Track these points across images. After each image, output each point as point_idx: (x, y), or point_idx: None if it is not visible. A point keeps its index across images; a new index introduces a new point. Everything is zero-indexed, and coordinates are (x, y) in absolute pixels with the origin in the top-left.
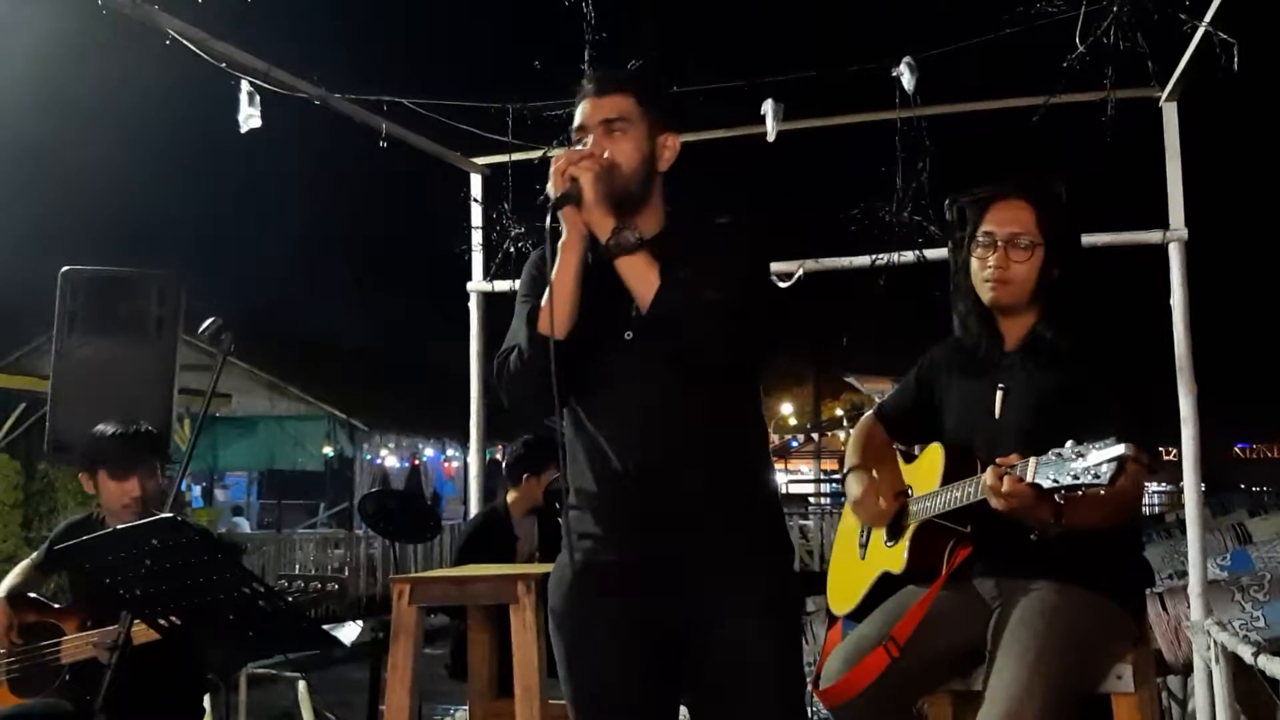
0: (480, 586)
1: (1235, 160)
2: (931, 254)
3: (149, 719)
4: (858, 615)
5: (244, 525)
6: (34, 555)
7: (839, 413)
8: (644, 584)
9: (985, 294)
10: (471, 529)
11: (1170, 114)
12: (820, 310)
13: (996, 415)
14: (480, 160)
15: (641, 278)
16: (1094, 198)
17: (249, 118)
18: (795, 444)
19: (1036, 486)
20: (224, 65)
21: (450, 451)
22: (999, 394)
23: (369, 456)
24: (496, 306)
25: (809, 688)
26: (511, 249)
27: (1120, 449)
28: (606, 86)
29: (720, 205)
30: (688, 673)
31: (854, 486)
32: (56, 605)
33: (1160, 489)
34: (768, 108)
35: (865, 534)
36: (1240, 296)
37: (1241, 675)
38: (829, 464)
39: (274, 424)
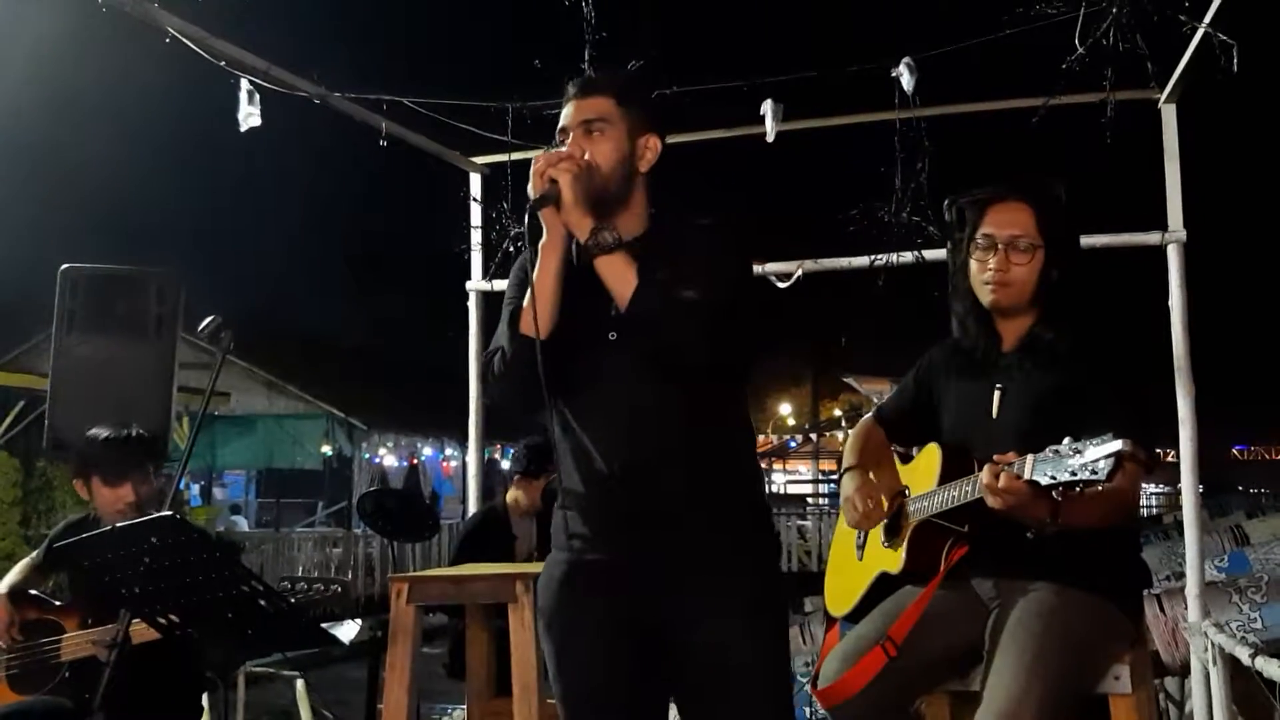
0: (478, 585)
1: (1234, 162)
2: (930, 254)
3: (148, 717)
4: (855, 616)
5: (242, 524)
6: (33, 555)
7: (837, 413)
8: (630, 583)
9: (985, 296)
10: (470, 528)
11: (1169, 115)
12: (818, 310)
13: (994, 415)
14: (480, 159)
15: (619, 277)
16: (1093, 199)
17: (249, 116)
18: (794, 444)
19: (1034, 484)
20: (223, 63)
21: (449, 451)
22: (997, 394)
23: (367, 455)
24: (496, 306)
25: (807, 688)
26: (510, 248)
27: (1117, 445)
28: (587, 89)
29: (719, 205)
30: (673, 672)
31: (848, 486)
32: (57, 603)
33: (1158, 490)
34: (767, 108)
35: (863, 534)
36: (1239, 298)
37: (1239, 677)
38: (827, 464)
39: (273, 423)
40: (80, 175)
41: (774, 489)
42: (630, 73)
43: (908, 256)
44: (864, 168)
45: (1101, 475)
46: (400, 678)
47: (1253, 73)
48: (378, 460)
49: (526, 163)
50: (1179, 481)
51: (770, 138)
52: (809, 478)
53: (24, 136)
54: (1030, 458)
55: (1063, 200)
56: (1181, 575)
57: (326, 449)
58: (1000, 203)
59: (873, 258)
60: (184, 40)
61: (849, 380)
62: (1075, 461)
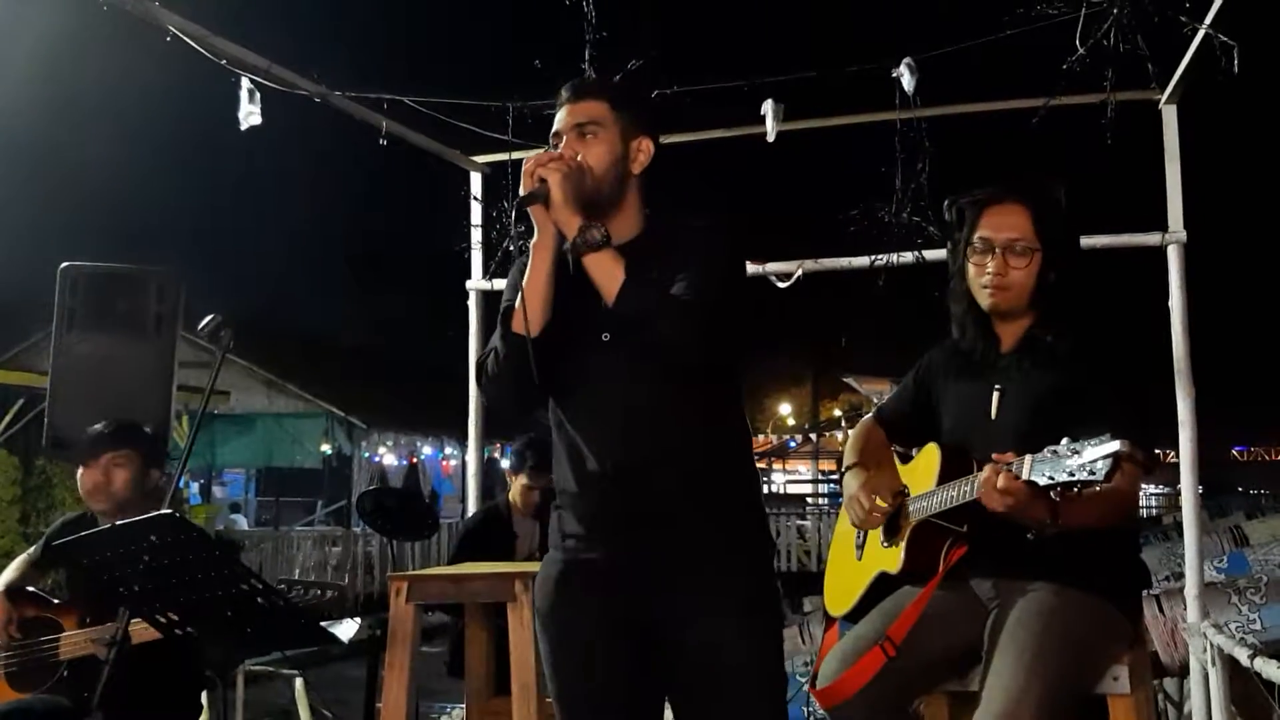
0: (478, 584)
1: (1235, 163)
2: (930, 255)
3: (147, 715)
4: (854, 616)
5: (242, 522)
6: (30, 551)
7: (837, 413)
8: (623, 583)
9: (984, 300)
10: (470, 526)
11: (1170, 116)
12: (818, 310)
13: (993, 416)
14: (480, 159)
15: (607, 274)
16: (1093, 200)
17: (249, 115)
18: (793, 444)
19: (1032, 484)
20: (224, 62)
21: (448, 450)
22: (996, 395)
23: (367, 454)
24: (496, 305)
25: (805, 687)
26: (511, 247)
27: (1115, 445)
28: (579, 93)
29: (717, 205)
30: (667, 671)
31: (851, 485)
32: (55, 601)
33: (1158, 491)
34: (767, 108)
35: (862, 534)
36: (1239, 299)
37: (1238, 678)
38: (827, 464)
39: (272, 421)
40: (81, 173)
41: (774, 489)
42: (623, 76)
43: (908, 257)
44: (864, 168)
45: (1100, 476)
46: (399, 676)
47: (1253, 74)
48: (377, 459)
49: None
50: (1178, 482)
51: (771, 138)
52: (808, 478)
53: (24, 135)
54: (1029, 458)
55: (1060, 201)
56: (1181, 576)
57: (326, 448)
58: (997, 205)
59: (873, 258)
60: (184, 38)
61: (849, 380)
62: (1073, 462)
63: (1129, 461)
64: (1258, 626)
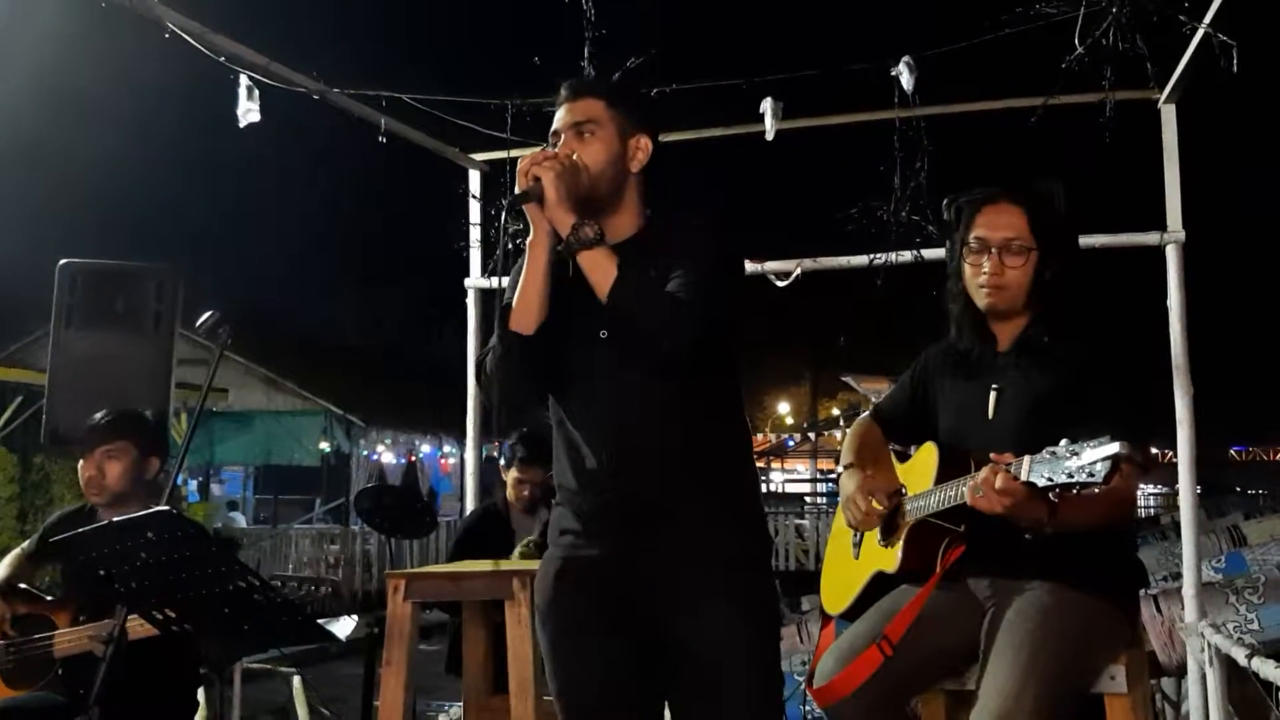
0: (475, 582)
1: (1234, 163)
2: (929, 254)
3: (143, 712)
4: (852, 614)
5: (240, 520)
6: (24, 545)
7: (836, 412)
8: (622, 580)
9: (981, 300)
10: (469, 524)
11: (1169, 116)
12: (817, 309)
13: (990, 416)
14: (479, 156)
15: (601, 272)
16: (1092, 199)
17: (248, 112)
18: (792, 443)
19: (1031, 485)
20: (223, 59)
21: (447, 448)
22: (993, 395)
23: (366, 452)
24: (494, 303)
25: (803, 686)
26: (510, 245)
27: (1115, 447)
28: (577, 91)
29: (716, 203)
30: (665, 668)
31: (848, 485)
32: (49, 598)
33: (1156, 491)
34: (766, 106)
35: (859, 533)
36: (1237, 299)
37: (1235, 677)
38: (825, 463)
39: (271, 419)
40: (79, 171)
41: (772, 488)
42: (622, 74)
43: (906, 256)
44: (863, 167)
45: (1098, 478)
46: (397, 674)
47: (1252, 73)
48: (376, 457)
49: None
50: (1176, 482)
51: (770, 136)
52: (807, 477)
53: (24, 132)
54: (1027, 459)
55: (1057, 201)
56: (1179, 576)
57: (324, 445)
58: (992, 205)
59: (871, 257)
60: (183, 35)
61: (847, 379)
62: (1072, 464)
63: (1128, 463)
64: (1255, 626)
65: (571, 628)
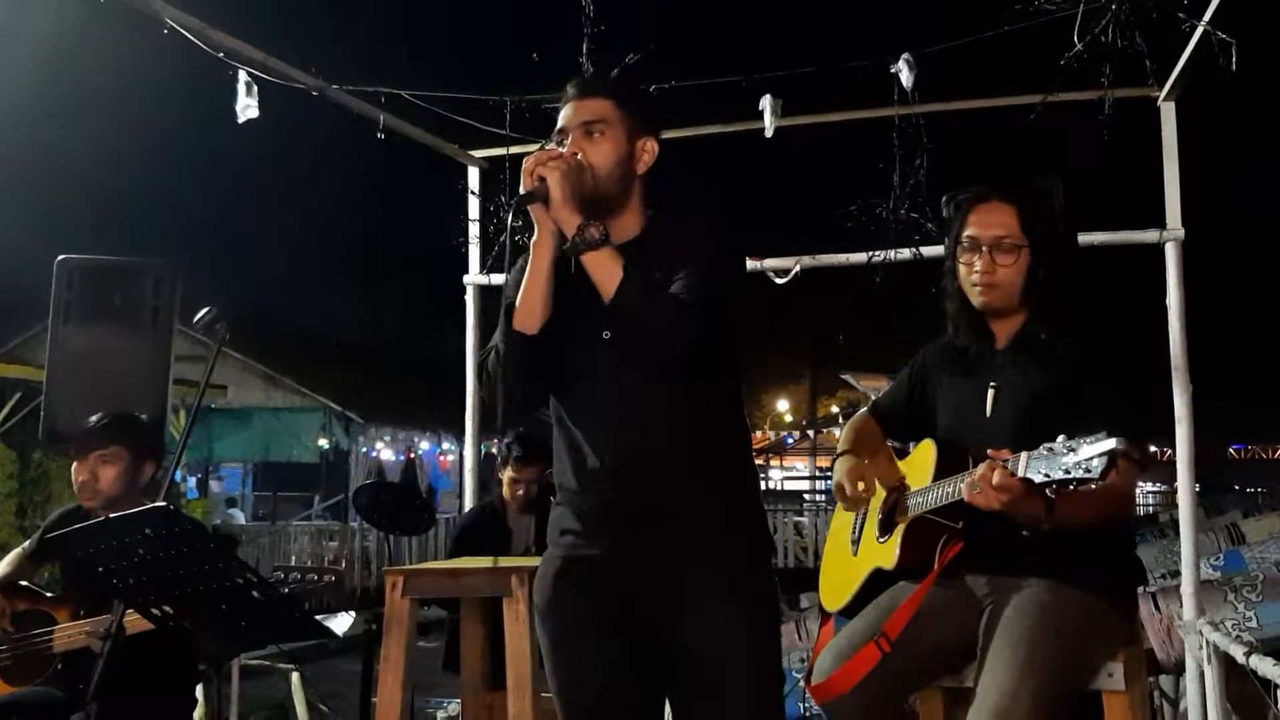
0: (474, 579)
1: (1233, 160)
2: (928, 251)
3: (141, 708)
4: (850, 611)
5: (239, 517)
6: (26, 544)
7: (835, 410)
8: (622, 579)
9: (975, 298)
10: (466, 523)
11: (1168, 113)
12: (816, 307)
13: (988, 414)
14: (478, 153)
15: (606, 272)
16: (1090, 196)
17: (246, 108)
18: (791, 441)
19: (1028, 481)
20: (221, 55)
21: (446, 445)
22: (990, 393)
23: (365, 449)
24: (493, 300)
25: (801, 683)
26: (512, 242)
27: (1111, 443)
28: (586, 90)
29: (715, 201)
30: (665, 668)
31: (838, 471)
32: (49, 594)
33: (1154, 489)
34: (765, 103)
35: (857, 530)
36: (1237, 297)
37: (1234, 675)
38: (825, 461)
39: (269, 416)
40: (78, 167)
41: (771, 485)
42: (621, 70)
43: (905, 253)
44: (862, 164)
45: (1095, 474)
46: (394, 670)
47: (1252, 71)
48: (375, 454)
49: (525, 157)
50: (1175, 480)
51: (769, 133)
52: (806, 474)
53: (23, 129)
54: (1024, 455)
55: (1051, 198)
56: (1177, 574)
57: (323, 442)
58: (984, 204)
59: (870, 254)
60: (181, 31)
61: (846, 377)
62: (1069, 460)
63: (1125, 459)
64: (1254, 624)
65: (572, 627)
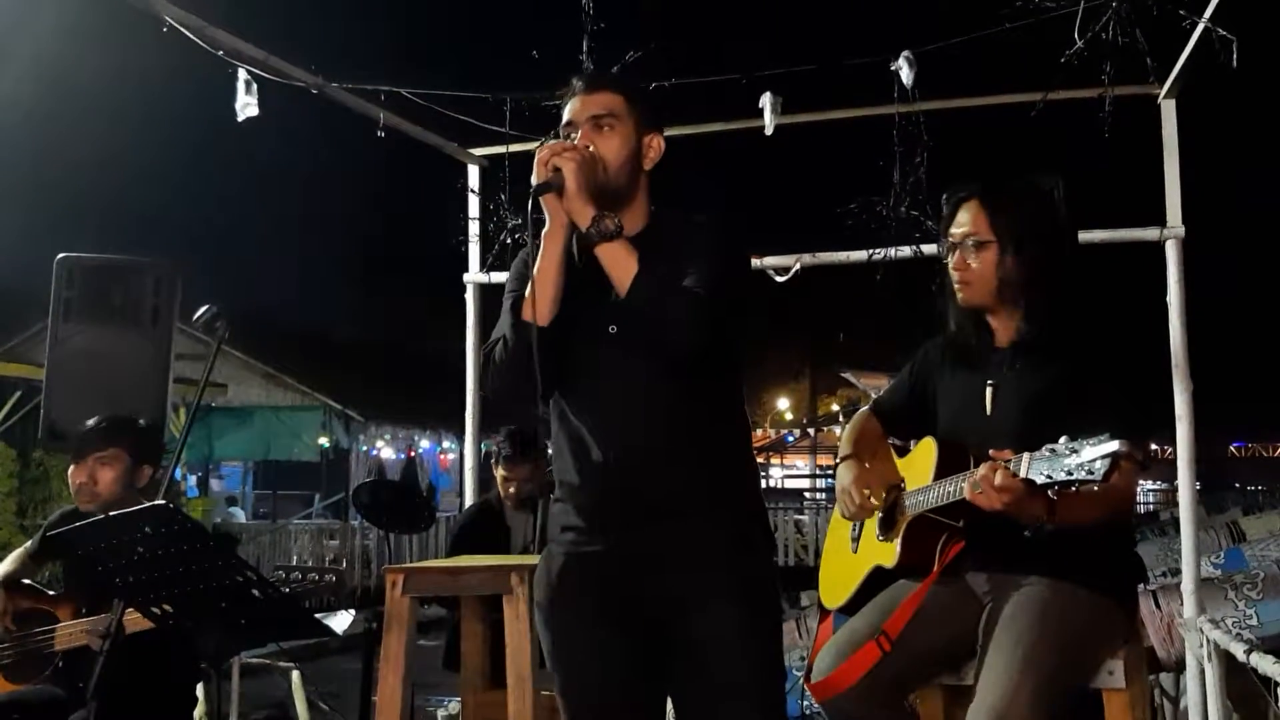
0: (474, 577)
1: (1234, 158)
2: (928, 249)
3: (141, 707)
4: (850, 609)
5: (239, 515)
6: (28, 544)
7: (835, 408)
8: (624, 576)
9: (958, 295)
10: (465, 521)
11: (1169, 111)
12: (817, 305)
13: (988, 412)
14: (478, 151)
15: (621, 266)
16: (1091, 194)
17: (246, 106)
18: (791, 439)
19: (1030, 482)
20: (221, 53)
21: (446, 444)
22: (989, 391)
23: (365, 448)
24: (493, 298)
25: (801, 681)
26: (508, 240)
27: (1114, 445)
28: (595, 84)
29: (715, 198)
30: (667, 665)
31: (844, 476)
32: (50, 593)
33: (1155, 487)
34: (765, 101)
35: (858, 528)
36: (1237, 295)
37: (1234, 673)
38: (825, 459)
39: (270, 414)
40: (78, 165)
41: (771, 483)
42: (621, 68)
43: (906, 251)
44: (862, 162)
45: (1098, 476)
46: (395, 669)
47: (1252, 68)
48: (375, 452)
49: (524, 155)
50: (1176, 478)
51: (769, 131)
52: (806, 472)
53: (23, 128)
54: (1026, 456)
55: (1028, 194)
56: (1178, 571)
57: (324, 441)
58: (960, 203)
59: (871, 252)
60: (181, 29)
61: (847, 375)
62: (1071, 461)
63: (1127, 460)
64: (1254, 622)
65: (574, 624)
